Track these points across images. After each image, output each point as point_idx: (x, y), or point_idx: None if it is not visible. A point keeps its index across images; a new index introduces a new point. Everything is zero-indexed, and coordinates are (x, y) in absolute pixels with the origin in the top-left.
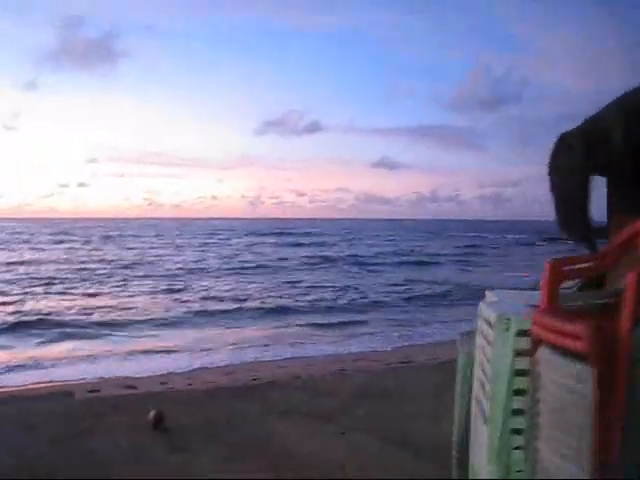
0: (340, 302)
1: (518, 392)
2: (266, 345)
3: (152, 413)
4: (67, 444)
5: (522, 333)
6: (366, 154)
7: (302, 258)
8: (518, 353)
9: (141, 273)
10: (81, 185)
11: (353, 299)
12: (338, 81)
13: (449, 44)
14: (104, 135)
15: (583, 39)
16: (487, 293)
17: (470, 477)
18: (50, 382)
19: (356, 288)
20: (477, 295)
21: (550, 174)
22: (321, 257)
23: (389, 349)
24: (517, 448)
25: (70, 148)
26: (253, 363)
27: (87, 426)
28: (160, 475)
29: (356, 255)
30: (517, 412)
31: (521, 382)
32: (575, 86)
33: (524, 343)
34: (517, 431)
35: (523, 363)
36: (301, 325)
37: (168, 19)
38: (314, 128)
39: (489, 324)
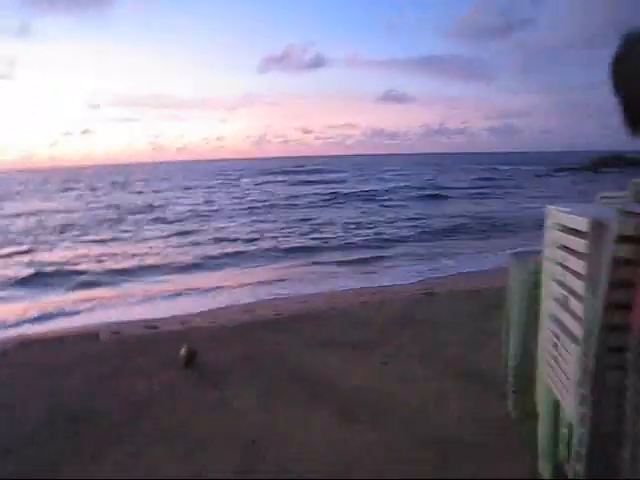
0: (357, 238)
1: (616, 306)
2: (285, 282)
3: (183, 350)
4: (100, 384)
5: (623, 240)
6: (372, 88)
7: (313, 196)
8: (617, 262)
9: (152, 217)
10: (85, 132)
11: (370, 235)
12: (341, 12)
13: None
14: (105, 80)
15: None
16: (548, 207)
17: (544, 403)
18: (73, 327)
19: (372, 224)
20: (496, 227)
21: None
22: (333, 194)
23: (412, 282)
24: (614, 368)
25: (71, 95)
26: (274, 300)
27: (117, 366)
28: (199, 413)
29: (368, 191)
30: (615, 328)
31: (621, 294)
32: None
33: (626, 250)
34: (615, 349)
35: (624, 273)
36: (319, 263)
37: None
38: (318, 63)
39: (575, 233)
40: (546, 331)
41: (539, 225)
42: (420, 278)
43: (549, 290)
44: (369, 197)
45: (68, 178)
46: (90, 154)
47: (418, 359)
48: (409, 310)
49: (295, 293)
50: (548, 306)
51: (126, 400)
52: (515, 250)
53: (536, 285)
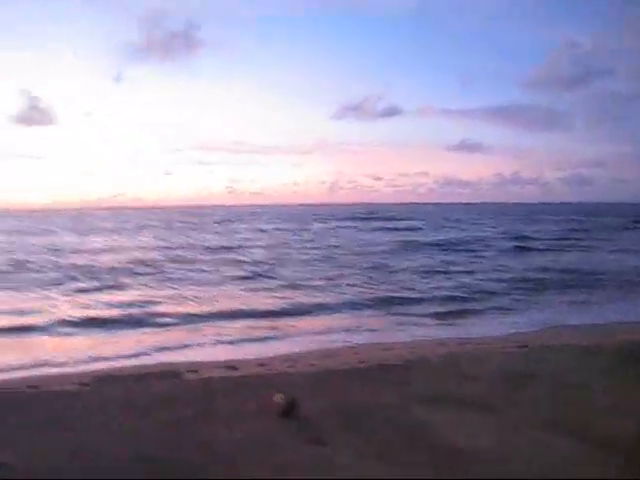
0: (439, 290)
1: None
2: (362, 330)
3: (279, 398)
4: (180, 428)
5: None
6: (445, 136)
7: (390, 243)
8: None
9: (228, 259)
10: (166, 174)
11: (457, 286)
12: (417, 63)
13: (532, 21)
14: (188, 124)
15: None
16: None
17: None
18: (151, 364)
19: (452, 274)
20: (584, 280)
21: None
22: (410, 242)
23: (501, 334)
24: None
25: (156, 138)
26: (354, 347)
27: (199, 409)
28: (299, 471)
29: (447, 240)
30: None
31: None
32: None
33: None
34: None
35: None
36: (405, 314)
37: (246, 5)
38: (392, 112)
39: None
40: None
41: (633, 281)
42: (511, 330)
43: None
44: (448, 247)
45: (149, 217)
46: (170, 195)
47: (545, 422)
48: (512, 364)
49: (374, 340)
50: None
51: (209, 448)
52: None
53: None
